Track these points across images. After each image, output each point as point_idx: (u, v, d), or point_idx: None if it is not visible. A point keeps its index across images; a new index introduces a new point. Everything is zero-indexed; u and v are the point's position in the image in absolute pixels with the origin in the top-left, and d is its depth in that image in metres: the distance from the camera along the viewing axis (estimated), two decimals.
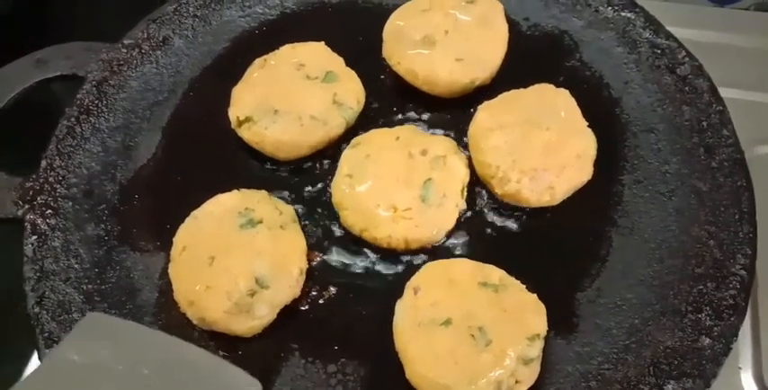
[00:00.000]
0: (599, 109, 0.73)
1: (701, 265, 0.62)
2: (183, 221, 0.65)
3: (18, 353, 0.71)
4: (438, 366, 0.56)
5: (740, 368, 0.68)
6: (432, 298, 0.59)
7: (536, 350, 0.56)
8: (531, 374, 0.56)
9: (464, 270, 0.61)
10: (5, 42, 0.94)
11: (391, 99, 0.76)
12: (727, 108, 0.71)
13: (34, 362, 0.70)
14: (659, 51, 0.75)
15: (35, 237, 0.67)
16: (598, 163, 0.67)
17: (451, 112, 0.75)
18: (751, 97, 0.86)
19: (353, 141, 0.70)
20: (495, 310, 0.58)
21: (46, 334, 0.61)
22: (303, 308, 0.64)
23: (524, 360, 0.55)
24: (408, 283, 0.61)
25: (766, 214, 0.66)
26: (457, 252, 0.66)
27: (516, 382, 0.56)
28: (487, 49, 0.74)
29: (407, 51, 0.74)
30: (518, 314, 0.58)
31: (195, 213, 0.65)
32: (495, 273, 0.61)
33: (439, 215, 0.66)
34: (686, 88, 0.72)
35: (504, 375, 0.55)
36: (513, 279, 0.60)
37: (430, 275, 0.61)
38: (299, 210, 0.69)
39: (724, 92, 0.73)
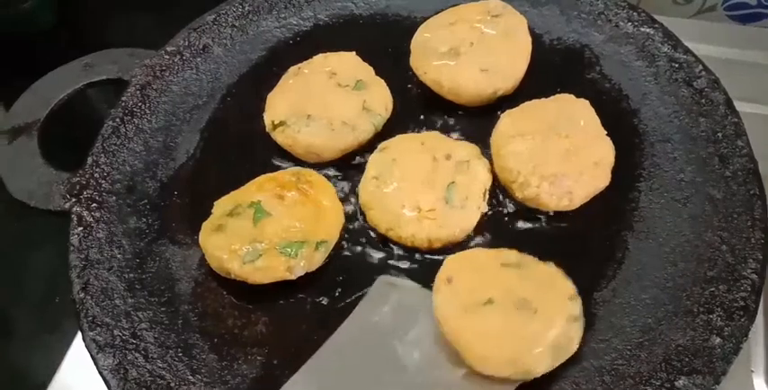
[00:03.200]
0: (618, 119, 0.75)
1: (713, 268, 0.64)
2: None
3: (63, 336, 0.75)
4: (497, 343, 0.58)
5: (752, 372, 0.69)
6: (466, 284, 0.62)
7: (578, 307, 0.60)
8: (579, 329, 0.60)
9: (484, 256, 0.65)
10: (48, 55, 1.00)
11: (418, 107, 0.79)
12: (743, 121, 0.73)
13: (78, 343, 0.74)
14: (677, 65, 0.78)
15: (81, 228, 0.70)
16: (616, 171, 0.69)
17: (475, 120, 0.78)
18: (765, 112, 0.87)
19: (381, 145, 0.74)
20: (526, 282, 0.61)
21: (90, 318, 0.64)
22: (330, 302, 0.67)
23: (572, 318, 0.59)
24: (438, 276, 0.64)
25: None
26: None
27: (569, 339, 0.59)
28: (511, 61, 0.77)
29: (434, 62, 0.77)
30: (547, 281, 0.61)
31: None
32: (511, 254, 0.64)
33: (461, 216, 0.69)
34: (702, 100, 0.75)
35: (558, 334, 0.58)
36: (527, 255, 0.64)
37: (456, 265, 0.64)
38: None
39: (741, 106, 0.74)
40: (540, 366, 0.58)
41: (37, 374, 0.75)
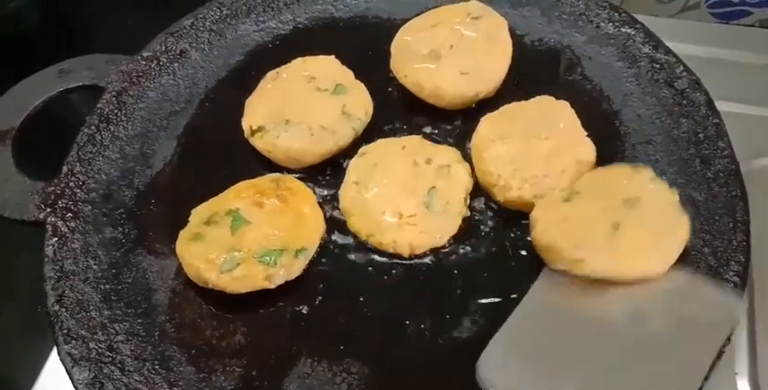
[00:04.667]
0: (599, 120, 0.75)
1: (695, 271, 0.64)
2: None
3: (37, 349, 0.74)
4: (654, 254, 0.61)
5: (736, 374, 0.69)
6: (580, 216, 0.63)
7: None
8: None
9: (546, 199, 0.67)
10: (32, 55, 0.98)
11: (398, 110, 0.79)
12: (724, 121, 0.73)
13: (53, 357, 0.73)
14: (658, 66, 0.77)
15: (56, 239, 0.69)
16: None
17: (455, 124, 0.77)
18: (748, 111, 0.88)
19: (361, 150, 0.73)
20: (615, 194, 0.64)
21: (65, 331, 0.63)
22: (311, 310, 0.66)
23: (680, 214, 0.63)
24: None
25: (762, 225, 0.68)
26: (460, 257, 0.68)
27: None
28: (491, 64, 0.76)
29: (414, 65, 0.76)
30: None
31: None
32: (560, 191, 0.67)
33: (443, 221, 0.68)
34: (684, 101, 0.75)
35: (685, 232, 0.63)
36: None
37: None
38: None
39: (722, 105, 0.74)
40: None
41: (18, 382, 0.74)
